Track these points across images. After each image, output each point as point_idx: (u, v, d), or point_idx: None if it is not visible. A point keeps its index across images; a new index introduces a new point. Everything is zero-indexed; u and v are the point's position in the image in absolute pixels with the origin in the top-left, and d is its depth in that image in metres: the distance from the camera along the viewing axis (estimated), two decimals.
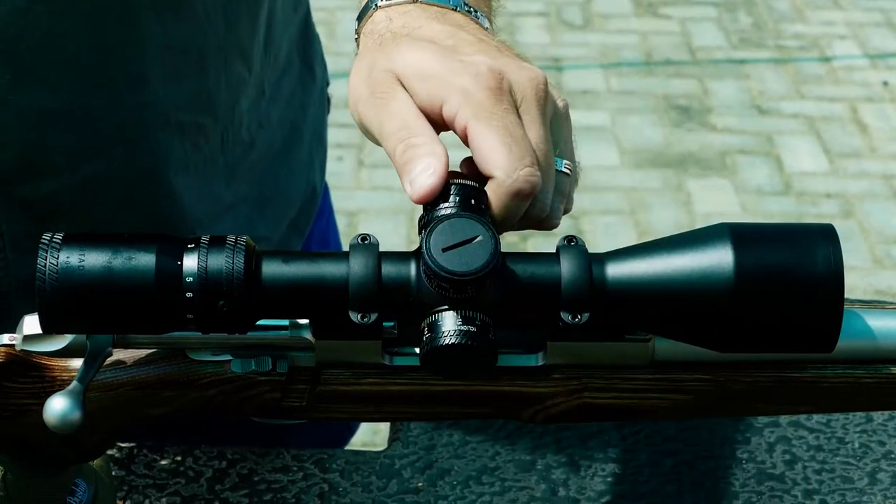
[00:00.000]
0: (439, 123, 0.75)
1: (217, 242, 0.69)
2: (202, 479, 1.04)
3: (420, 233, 0.71)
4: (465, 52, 0.77)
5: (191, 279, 0.68)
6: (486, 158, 0.72)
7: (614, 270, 0.70)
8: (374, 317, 0.69)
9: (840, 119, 3.96)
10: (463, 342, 0.68)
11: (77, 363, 0.74)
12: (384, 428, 1.29)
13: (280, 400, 0.74)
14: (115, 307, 0.68)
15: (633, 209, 3.51)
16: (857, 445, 1.08)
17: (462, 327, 0.68)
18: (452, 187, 0.72)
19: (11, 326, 0.76)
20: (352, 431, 1.41)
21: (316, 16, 1.26)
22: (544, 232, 0.80)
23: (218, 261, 0.68)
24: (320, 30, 1.29)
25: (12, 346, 0.75)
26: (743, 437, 1.09)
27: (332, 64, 1.32)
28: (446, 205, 0.71)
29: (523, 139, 0.73)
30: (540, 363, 0.73)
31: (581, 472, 1.06)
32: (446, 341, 0.68)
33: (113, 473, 0.92)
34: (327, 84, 1.28)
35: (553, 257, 0.70)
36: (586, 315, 0.69)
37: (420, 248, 0.69)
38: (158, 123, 1.02)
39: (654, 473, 1.06)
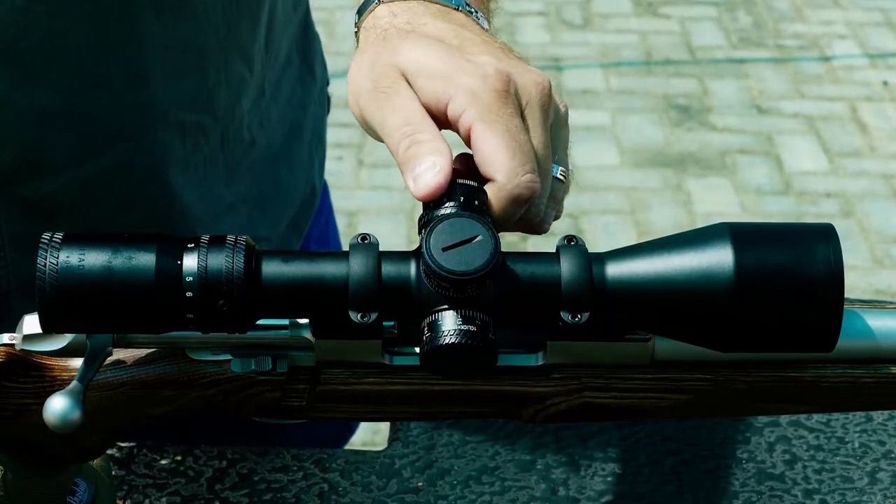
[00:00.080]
0: (442, 121, 0.75)
1: (217, 242, 0.69)
2: (202, 479, 1.04)
3: (420, 232, 0.71)
4: (471, 51, 0.77)
5: (191, 279, 0.68)
6: (488, 161, 0.72)
7: (614, 270, 0.70)
8: (374, 316, 0.69)
9: (840, 119, 3.96)
10: (463, 342, 0.68)
11: (77, 363, 0.74)
12: (384, 428, 1.29)
13: (280, 399, 0.74)
14: (115, 307, 0.68)
15: (633, 209, 3.52)
16: (857, 445, 1.08)
17: (462, 327, 0.68)
18: (453, 187, 0.72)
19: (11, 326, 0.76)
20: (351, 431, 1.41)
21: (315, 15, 1.26)
22: None
23: (218, 260, 0.68)
24: (320, 29, 1.29)
25: (12, 345, 0.75)
26: (743, 437, 1.09)
27: (331, 63, 1.32)
28: (446, 204, 0.71)
29: (526, 144, 0.73)
30: (540, 363, 0.73)
31: (581, 471, 1.06)
32: (446, 341, 0.68)
33: (113, 473, 0.92)
34: (327, 83, 1.28)
35: (553, 257, 0.70)
36: (586, 315, 0.69)
37: (420, 247, 0.69)
38: (159, 123, 1.02)
39: (654, 473, 1.06)
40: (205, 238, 0.69)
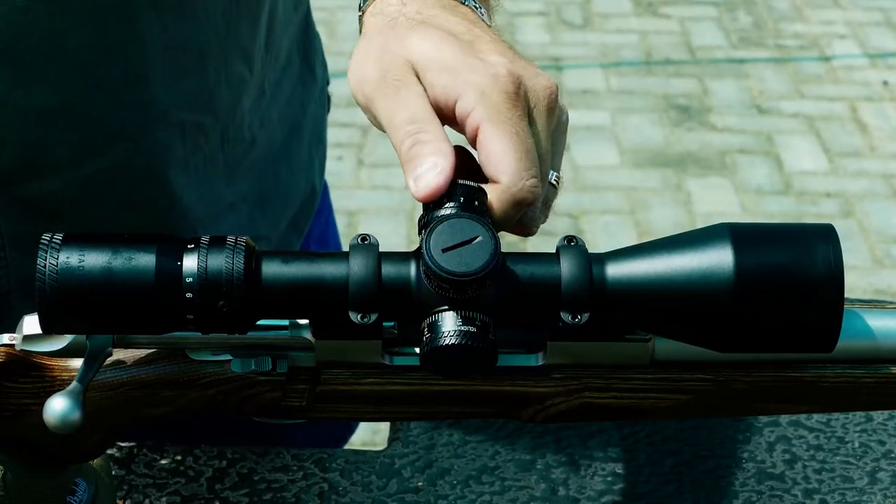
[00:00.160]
0: (449, 119, 0.75)
1: (217, 243, 0.69)
2: (202, 479, 1.04)
3: (420, 233, 0.71)
4: (483, 49, 0.76)
5: (191, 279, 0.68)
6: (494, 162, 0.72)
7: (614, 270, 0.70)
8: (374, 317, 0.69)
9: (840, 118, 3.96)
10: (463, 342, 0.68)
11: (77, 363, 0.74)
12: (384, 427, 1.29)
13: (280, 400, 0.74)
14: (115, 307, 0.68)
15: (633, 209, 3.51)
16: (857, 445, 1.08)
17: (462, 327, 0.68)
18: (453, 187, 0.72)
19: (11, 326, 0.76)
20: (351, 430, 1.41)
21: (316, 15, 1.26)
22: (544, 232, 0.80)
23: (218, 261, 0.68)
24: (320, 29, 1.29)
25: (12, 345, 0.75)
26: (743, 437, 1.09)
27: (332, 63, 1.32)
28: (446, 205, 0.71)
29: (532, 149, 0.73)
30: (540, 363, 0.73)
31: (581, 471, 1.06)
32: (446, 341, 0.68)
33: (113, 473, 0.92)
34: (327, 83, 1.28)
35: (553, 257, 0.70)
36: (586, 315, 0.69)
37: (420, 248, 0.69)
38: (159, 122, 1.02)
39: (654, 473, 1.06)
40: (205, 239, 0.69)
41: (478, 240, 0.68)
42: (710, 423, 1.11)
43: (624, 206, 3.52)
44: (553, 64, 4.22)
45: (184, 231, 1.05)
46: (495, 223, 0.72)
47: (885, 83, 4.13)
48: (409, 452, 1.07)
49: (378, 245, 0.70)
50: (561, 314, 0.69)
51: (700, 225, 0.71)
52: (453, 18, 0.79)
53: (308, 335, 0.72)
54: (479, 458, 1.06)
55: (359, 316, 0.69)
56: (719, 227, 0.70)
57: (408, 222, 3.37)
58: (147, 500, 1.02)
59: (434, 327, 0.68)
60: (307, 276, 0.69)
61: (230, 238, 0.69)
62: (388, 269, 0.69)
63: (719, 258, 0.68)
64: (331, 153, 1.58)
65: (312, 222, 1.25)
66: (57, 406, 0.70)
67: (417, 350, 0.70)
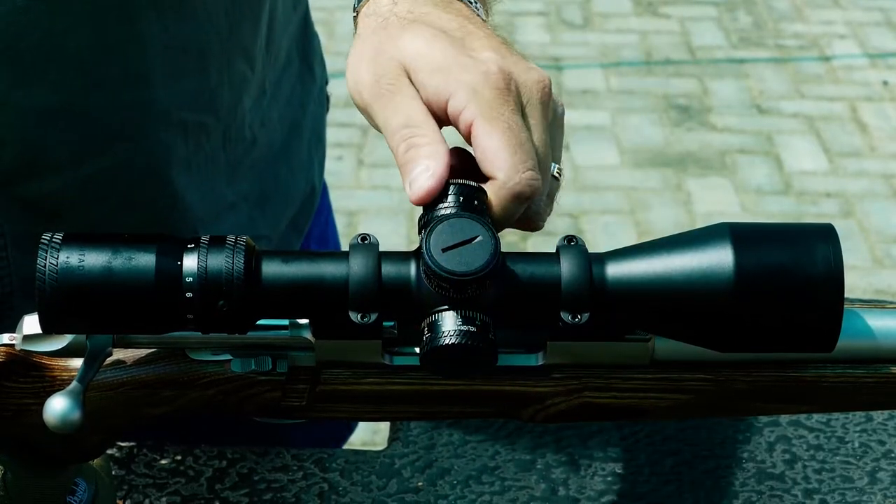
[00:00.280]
0: (442, 118, 0.75)
1: (217, 242, 0.69)
2: (202, 479, 1.04)
3: (420, 233, 0.71)
4: (474, 46, 0.76)
5: (191, 279, 0.68)
6: (489, 159, 0.72)
7: (614, 270, 0.70)
8: (374, 317, 0.69)
9: (840, 118, 3.96)
10: (463, 342, 0.68)
11: (77, 363, 0.74)
12: (384, 427, 1.29)
13: (280, 399, 0.74)
14: (115, 307, 0.68)
15: (633, 209, 3.52)
16: (857, 445, 1.08)
17: (462, 327, 0.68)
18: (452, 187, 0.72)
19: (13, 326, 0.76)
20: (351, 430, 1.41)
21: (315, 15, 1.26)
22: (544, 232, 0.80)
23: (218, 261, 0.68)
24: (319, 29, 1.29)
25: (12, 345, 0.75)
26: (743, 437, 1.09)
27: (331, 63, 1.32)
28: (446, 205, 0.71)
29: (527, 142, 0.73)
30: (540, 363, 0.73)
31: (581, 471, 1.06)
32: (446, 341, 0.68)
33: (113, 473, 0.92)
34: (326, 83, 1.28)
35: (553, 257, 0.70)
36: (586, 315, 0.69)
37: (420, 248, 0.69)
38: (160, 122, 1.02)
39: (654, 473, 1.06)
40: (205, 238, 0.69)
41: (478, 239, 0.68)
42: (710, 423, 1.11)
43: (624, 206, 3.52)
44: (553, 64, 4.22)
45: (184, 231, 1.05)
46: (497, 220, 0.72)
47: (885, 83, 4.13)
48: (409, 452, 1.07)
49: (378, 245, 0.70)
50: (561, 314, 0.69)
51: (700, 225, 0.71)
52: (446, 15, 0.79)
53: (308, 335, 0.72)
54: (479, 458, 1.06)
55: (359, 316, 0.69)
56: (719, 226, 0.70)
57: (408, 222, 3.37)
58: (147, 500, 1.02)
59: (434, 327, 0.68)
60: (307, 276, 0.69)
61: (230, 238, 0.69)
62: (388, 269, 0.70)
63: (719, 258, 0.68)
64: (330, 153, 1.58)
65: (312, 222, 1.25)
66: (57, 406, 0.70)
67: (417, 350, 0.70)
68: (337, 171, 3.52)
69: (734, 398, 0.75)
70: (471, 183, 0.72)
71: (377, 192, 3.53)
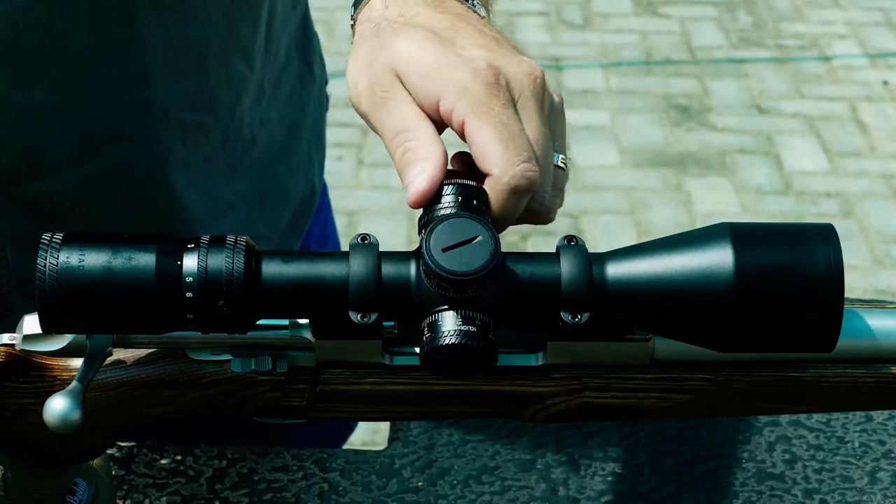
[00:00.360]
0: (438, 120, 0.75)
1: (217, 242, 0.69)
2: (202, 479, 1.04)
3: (420, 233, 0.71)
4: (463, 44, 0.77)
5: (191, 279, 0.68)
6: (482, 155, 0.72)
7: (614, 270, 0.70)
8: (374, 317, 0.69)
9: (840, 118, 3.96)
10: (463, 342, 0.68)
11: (77, 363, 0.73)
12: (384, 427, 1.29)
13: (280, 399, 0.74)
14: (115, 307, 0.68)
15: (633, 209, 3.52)
16: (856, 445, 1.08)
17: (462, 327, 0.68)
18: (452, 187, 0.72)
19: (12, 326, 0.76)
20: (351, 430, 1.41)
21: (315, 15, 1.26)
22: (544, 232, 0.80)
23: (218, 261, 0.68)
24: (319, 29, 1.29)
25: (12, 345, 0.75)
26: (743, 437, 1.09)
27: (331, 63, 1.32)
28: (446, 205, 0.71)
29: (520, 135, 0.73)
30: (540, 363, 0.73)
31: (581, 471, 1.06)
32: (446, 341, 0.68)
33: (113, 473, 0.92)
34: (326, 82, 1.28)
35: (553, 257, 0.70)
36: (586, 315, 0.69)
37: (420, 248, 0.69)
38: (159, 122, 1.02)
39: (654, 473, 1.06)
40: (205, 238, 0.69)
41: (478, 239, 0.68)
42: (710, 423, 1.11)
43: (624, 206, 3.53)
44: (553, 64, 4.22)
45: (183, 231, 1.05)
46: (499, 216, 0.72)
47: (885, 83, 4.13)
48: (409, 452, 1.07)
49: (378, 245, 0.70)
50: (561, 314, 0.69)
51: (700, 225, 0.71)
52: (437, 15, 0.79)
53: (308, 335, 0.72)
54: (479, 458, 1.06)
55: (359, 315, 0.69)
56: (719, 226, 0.70)
57: (408, 222, 3.37)
58: (147, 500, 1.02)
59: (434, 327, 0.68)
60: (307, 276, 0.69)
61: (230, 238, 0.69)
62: (388, 269, 0.70)
63: (719, 258, 0.68)
64: (330, 153, 1.58)
65: (312, 221, 1.25)
66: (57, 406, 0.70)
67: (417, 350, 0.70)
68: (337, 170, 3.52)
69: (734, 398, 0.75)
70: (470, 182, 0.72)
71: (377, 192, 3.53)
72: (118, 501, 0.97)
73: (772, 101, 4.05)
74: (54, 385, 0.74)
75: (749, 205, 3.53)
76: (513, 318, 0.70)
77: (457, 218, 0.69)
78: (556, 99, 0.78)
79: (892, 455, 1.07)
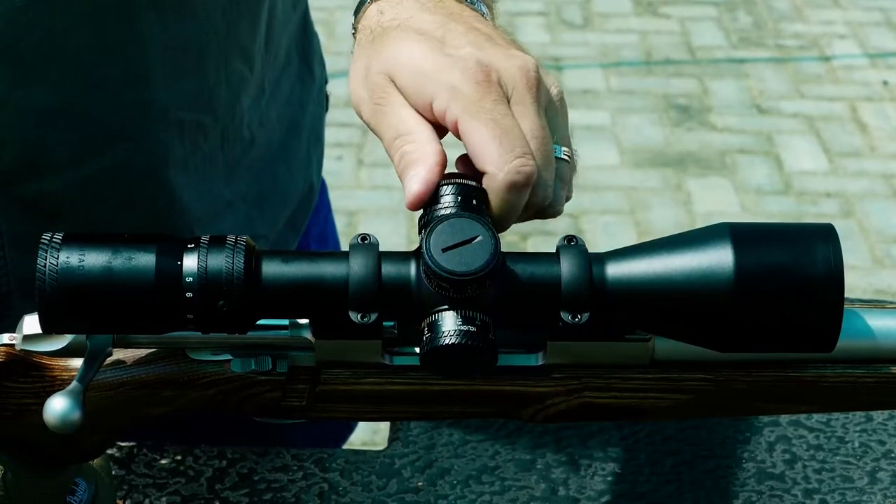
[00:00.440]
0: (432, 121, 0.75)
1: (217, 242, 0.69)
2: (202, 479, 1.04)
3: (420, 233, 0.71)
4: (454, 44, 0.77)
5: (191, 279, 0.68)
6: (477, 154, 0.72)
7: (614, 270, 0.70)
8: (374, 317, 0.69)
9: (840, 118, 3.96)
10: (463, 342, 0.68)
11: (77, 363, 0.73)
12: (384, 427, 1.29)
13: (280, 399, 0.74)
14: (115, 307, 0.68)
15: (633, 209, 3.52)
16: (856, 445, 1.08)
17: (462, 327, 0.68)
18: (452, 187, 0.72)
19: (12, 326, 0.76)
20: (351, 430, 1.41)
21: (315, 15, 1.26)
22: (544, 232, 0.80)
23: (218, 261, 0.68)
24: (319, 29, 1.29)
25: (12, 345, 0.75)
26: (743, 437, 1.09)
27: (331, 63, 1.32)
28: (446, 205, 0.71)
29: (513, 130, 0.72)
30: (540, 363, 0.73)
31: (581, 471, 1.06)
32: (446, 341, 0.68)
33: (113, 473, 0.92)
34: (325, 82, 1.28)
35: (553, 257, 0.70)
36: (586, 315, 0.69)
37: (420, 248, 0.69)
38: (159, 122, 1.02)
39: (654, 473, 1.06)
40: (205, 238, 0.69)
41: (478, 239, 0.68)
42: (710, 423, 1.11)
43: (624, 206, 3.53)
44: (553, 64, 4.22)
45: (182, 230, 1.05)
46: (500, 214, 0.72)
47: (885, 83, 4.13)
48: (409, 452, 1.07)
49: (378, 245, 0.70)
50: (561, 314, 0.69)
51: (700, 225, 0.71)
52: (428, 17, 0.79)
53: (308, 335, 0.72)
54: (479, 458, 1.06)
55: (359, 315, 0.69)
56: (719, 226, 0.70)
57: (408, 222, 3.37)
58: (147, 500, 1.02)
59: (434, 327, 0.68)
60: (307, 276, 0.69)
61: (230, 237, 0.69)
62: (388, 269, 0.70)
63: (719, 258, 0.68)
64: (330, 153, 1.58)
65: (311, 221, 1.25)
66: (57, 406, 0.70)
67: (417, 350, 0.70)
68: (337, 170, 3.52)
69: (734, 398, 0.75)
70: (470, 182, 0.72)
71: (377, 192, 3.53)
72: (118, 501, 0.97)
73: (772, 101, 4.05)
74: (54, 385, 0.74)
75: (749, 205, 3.53)
76: (513, 318, 0.70)
77: (457, 218, 0.69)
78: (555, 91, 0.78)
79: (892, 455, 1.07)
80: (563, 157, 0.77)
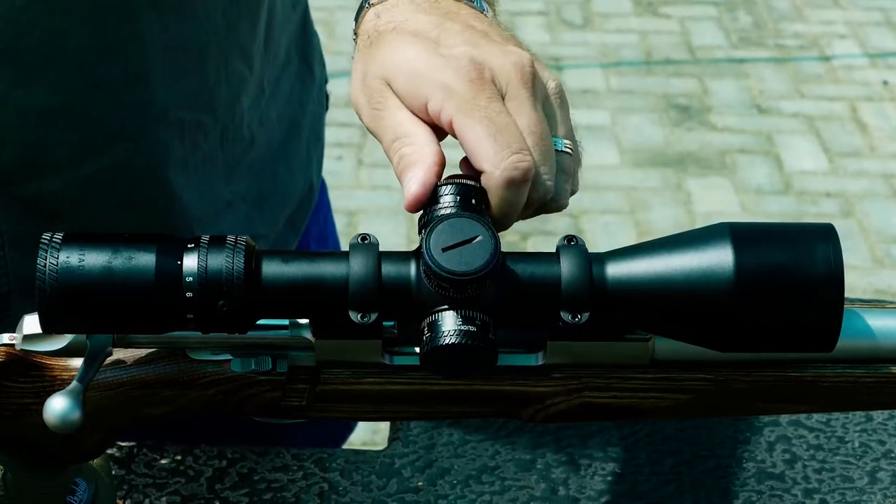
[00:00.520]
0: (429, 122, 0.75)
1: (217, 242, 0.69)
2: (202, 479, 1.04)
3: (420, 233, 0.71)
4: (447, 44, 0.77)
5: (191, 279, 0.68)
6: (473, 152, 0.72)
7: (614, 270, 0.70)
8: (374, 316, 0.69)
9: (840, 118, 3.96)
10: (463, 342, 0.68)
11: (77, 362, 0.73)
12: (384, 427, 1.29)
13: (280, 399, 0.74)
14: (115, 307, 0.68)
15: (633, 208, 3.52)
16: (856, 444, 1.08)
17: (462, 327, 0.68)
18: (451, 187, 0.72)
19: (11, 326, 0.76)
20: (351, 430, 1.41)
21: (315, 15, 1.26)
22: (544, 232, 0.80)
23: (218, 260, 0.68)
24: (319, 29, 1.29)
25: (12, 345, 0.75)
26: (743, 437, 1.09)
27: (331, 63, 1.32)
28: (446, 204, 0.71)
29: (508, 126, 0.72)
30: (540, 363, 0.73)
31: (581, 471, 1.06)
32: (446, 341, 0.68)
33: (113, 472, 0.92)
34: (325, 81, 1.28)
35: (553, 257, 0.70)
36: (586, 315, 0.69)
37: (420, 247, 0.69)
38: (159, 122, 1.02)
39: (654, 473, 1.06)
40: (205, 238, 0.69)
41: (478, 239, 0.68)
42: (710, 423, 1.11)
43: (624, 205, 3.52)
44: (553, 64, 4.22)
45: (182, 230, 1.05)
46: (500, 212, 0.72)
47: (885, 83, 4.13)
48: (409, 452, 1.07)
49: (378, 244, 0.70)
50: (561, 314, 0.69)
51: (700, 225, 0.71)
52: (423, 17, 0.79)
53: (308, 335, 0.72)
54: (479, 458, 1.06)
55: (359, 315, 0.69)
56: (719, 226, 0.70)
57: (408, 222, 3.37)
58: (147, 500, 1.02)
59: (434, 327, 0.68)
60: (307, 276, 0.69)
61: (230, 237, 0.69)
62: (388, 269, 0.70)
63: (719, 258, 0.68)
64: (330, 153, 1.58)
65: (311, 220, 1.25)
66: (57, 405, 0.70)
67: (417, 350, 0.70)
68: (337, 170, 3.52)
69: (734, 398, 0.75)
70: (470, 182, 0.72)
71: (377, 192, 3.53)
72: (118, 501, 0.97)
73: (772, 101, 4.05)
74: (54, 385, 0.74)
75: (749, 205, 3.53)
76: (513, 317, 0.70)
77: (457, 218, 0.69)
78: (552, 85, 0.78)
79: (892, 455, 1.07)
80: (564, 149, 0.76)
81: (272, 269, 0.70)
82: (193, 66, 1.03)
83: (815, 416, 1.11)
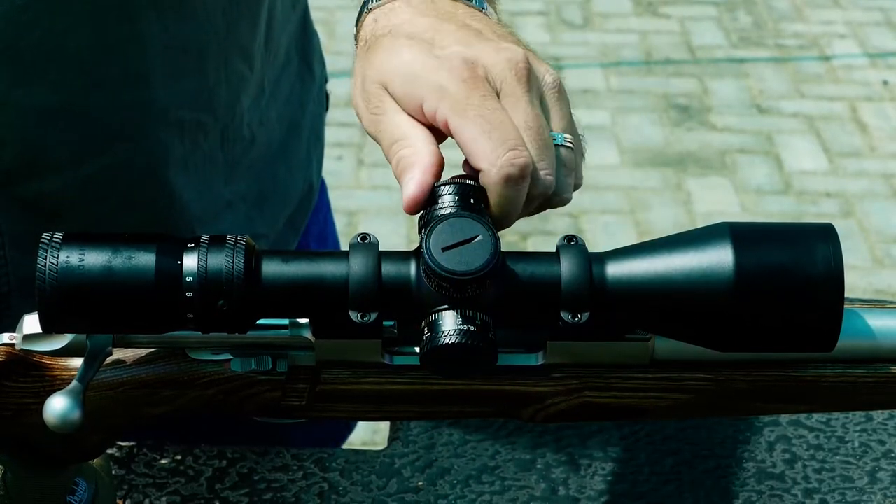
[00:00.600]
0: (426, 124, 0.75)
1: (217, 242, 0.69)
2: (202, 479, 1.04)
3: (420, 232, 0.71)
4: (441, 45, 0.77)
5: (191, 279, 0.68)
6: (469, 152, 0.72)
7: (614, 270, 0.70)
8: (374, 316, 0.69)
9: (840, 118, 3.96)
10: (463, 342, 0.68)
11: (77, 362, 0.73)
12: (384, 427, 1.29)
13: (280, 399, 0.74)
14: (115, 307, 0.68)
15: (633, 208, 3.52)
16: (856, 444, 1.08)
17: (462, 327, 0.68)
18: (451, 187, 0.72)
19: (11, 326, 0.76)
20: (351, 429, 1.41)
21: (315, 15, 1.26)
22: (544, 232, 0.80)
23: (218, 260, 0.68)
24: (319, 29, 1.29)
25: (12, 345, 0.75)
26: (743, 436, 1.09)
27: (331, 63, 1.32)
28: (446, 204, 0.71)
29: (503, 124, 0.72)
30: (540, 362, 0.73)
31: (581, 471, 1.06)
32: (446, 341, 0.68)
33: (113, 472, 0.92)
34: (325, 81, 1.28)
35: (553, 257, 0.70)
36: (586, 314, 0.69)
37: (420, 247, 0.69)
38: (159, 122, 1.02)
39: (654, 473, 1.06)
40: (205, 238, 0.69)
41: (478, 239, 0.68)
42: (710, 423, 1.11)
43: (624, 205, 3.52)
44: (553, 64, 4.18)
45: (182, 230, 1.05)
46: (500, 211, 0.72)
47: (885, 83, 4.13)
48: (409, 452, 1.07)
49: (378, 244, 0.70)
50: (561, 313, 0.69)
51: (700, 224, 0.71)
52: (419, 19, 0.79)
53: (308, 334, 0.72)
54: (479, 457, 1.06)
55: (359, 315, 0.69)
56: (719, 226, 0.70)
57: (408, 222, 3.37)
58: (147, 500, 1.02)
59: (434, 326, 0.68)
60: (307, 276, 0.69)
61: (230, 237, 0.69)
62: (388, 269, 0.70)
63: (719, 257, 0.68)
64: (330, 153, 1.58)
65: (311, 220, 1.25)
66: (57, 405, 0.70)
67: (417, 349, 0.70)
68: (337, 170, 3.52)
69: (734, 398, 0.75)
70: (470, 182, 0.72)
71: (377, 192, 3.53)
72: (118, 501, 0.97)
73: (772, 101, 4.05)
74: (54, 385, 0.74)
75: (749, 205, 3.53)
76: (513, 317, 0.70)
77: (456, 217, 0.69)
78: (549, 79, 0.78)
79: (892, 455, 1.07)
80: (564, 143, 0.76)
81: (272, 268, 0.70)
82: (193, 66, 1.03)
83: (815, 416, 1.11)
